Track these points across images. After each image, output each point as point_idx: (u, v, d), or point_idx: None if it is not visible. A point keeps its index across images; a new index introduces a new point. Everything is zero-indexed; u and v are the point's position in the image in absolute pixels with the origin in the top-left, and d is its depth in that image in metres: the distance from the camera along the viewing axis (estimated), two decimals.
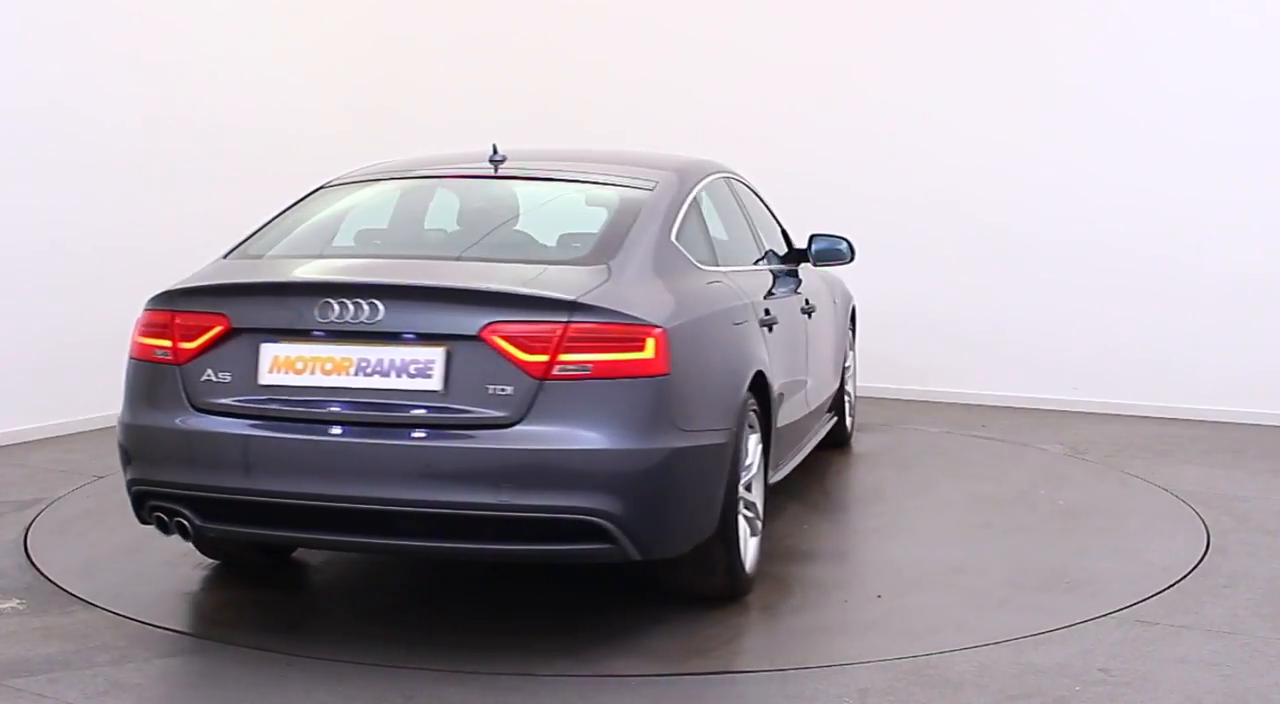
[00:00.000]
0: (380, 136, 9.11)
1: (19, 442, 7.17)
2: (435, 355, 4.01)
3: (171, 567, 5.30)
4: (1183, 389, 8.49)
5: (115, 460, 5.74)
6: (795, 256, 6.31)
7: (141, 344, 4.39)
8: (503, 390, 3.95)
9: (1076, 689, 3.99)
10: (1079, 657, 4.25)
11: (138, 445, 4.35)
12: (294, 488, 4.06)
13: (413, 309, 4.07)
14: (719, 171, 5.76)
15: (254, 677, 4.07)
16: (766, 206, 6.46)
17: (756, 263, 5.74)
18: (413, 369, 4.02)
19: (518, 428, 3.94)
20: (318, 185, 5.35)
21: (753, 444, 4.75)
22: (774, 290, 5.55)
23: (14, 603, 4.77)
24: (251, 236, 4.89)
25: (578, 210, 4.94)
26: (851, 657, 4.25)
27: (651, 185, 4.92)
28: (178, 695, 3.95)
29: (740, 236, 5.74)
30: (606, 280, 4.20)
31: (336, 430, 4.05)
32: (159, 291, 4.42)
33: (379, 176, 5.33)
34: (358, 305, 4.05)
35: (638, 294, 4.21)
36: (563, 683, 4.06)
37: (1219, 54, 8.33)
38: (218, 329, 4.22)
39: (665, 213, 4.72)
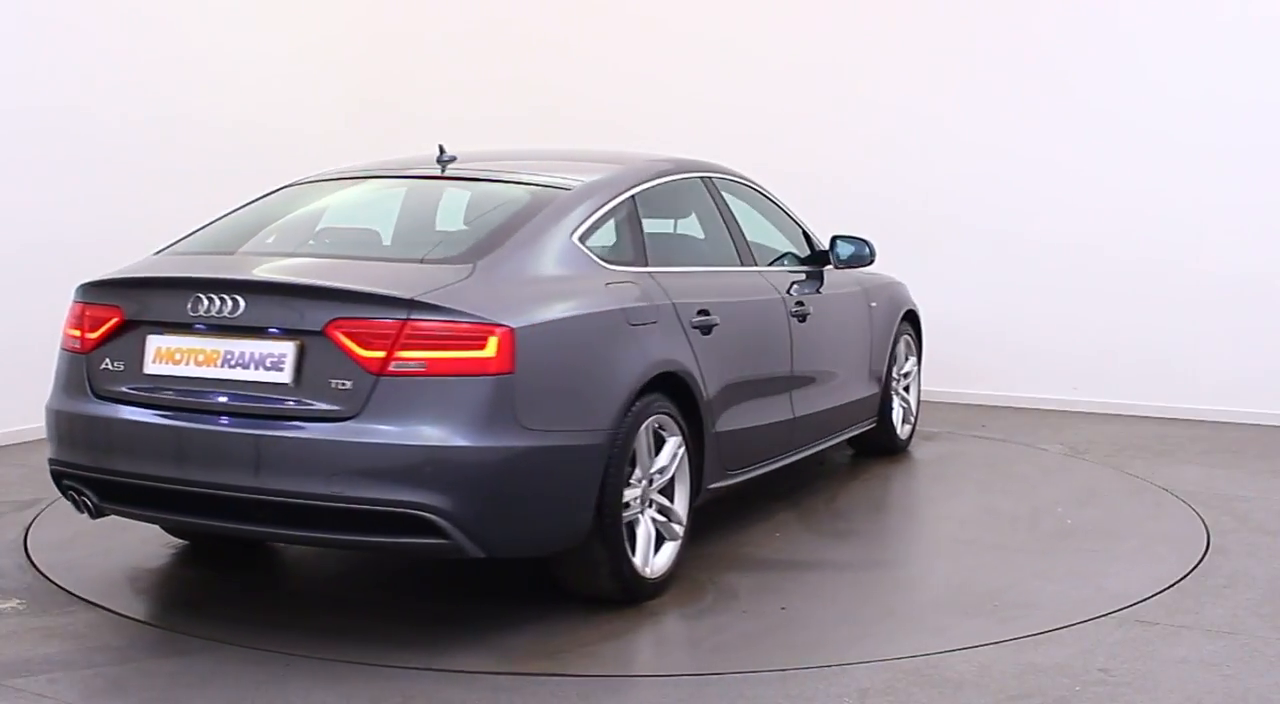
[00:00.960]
0: (379, 133, 9.11)
1: (19, 442, 7.18)
2: (287, 350, 4.17)
3: (172, 567, 5.31)
4: (1183, 389, 8.49)
5: None
6: (817, 259, 6.36)
7: (64, 334, 4.69)
8: (343, 385, 4.07)
9: (1076, 689, 3.99)
10: (1079, 657, 4.26)
11: (53, 428, 4.63)
12: (164, 473, 4.30)
13: (268, 305, 4.24)
14: (692, 172, 5.78)
15: (254, 677, 4.07)
16: (781, 209, 6.44)
17: (742, 264, 5.73)
18: (268, 362, 4.19)
19: (353, 422, 4.05)
20: (280, 185, 5.47)
21: (670, 447, 4.79)
22: (733, 293, 5.47)
23: (14, 603, 4.77)
24: (189, 234, 5.07)
25: (487, 210, 4.97)
26: (845, 658, 4.25)
27: (573, 186, 5.00)
28: (178, 695, 3.95)
29: (714, 238, 5.76)
30: (462, 279, 4.28)
31: (202, 419, 4.26)
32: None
33: (328, 177, 5.50)
34: (223, 300, 4.25)
35: (493, 293, 4.26)
36: (563, 683, 4.06)
37: (1218, 57, 8.33)
38: (114, 321, 4.47)
39: (572, 213, 4.78)
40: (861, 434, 7.03)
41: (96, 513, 4.58)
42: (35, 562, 5.24)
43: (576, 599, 4.69)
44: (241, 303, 4.22)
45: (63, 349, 4.67)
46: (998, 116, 8.97)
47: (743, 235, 5.88)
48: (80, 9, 7.74)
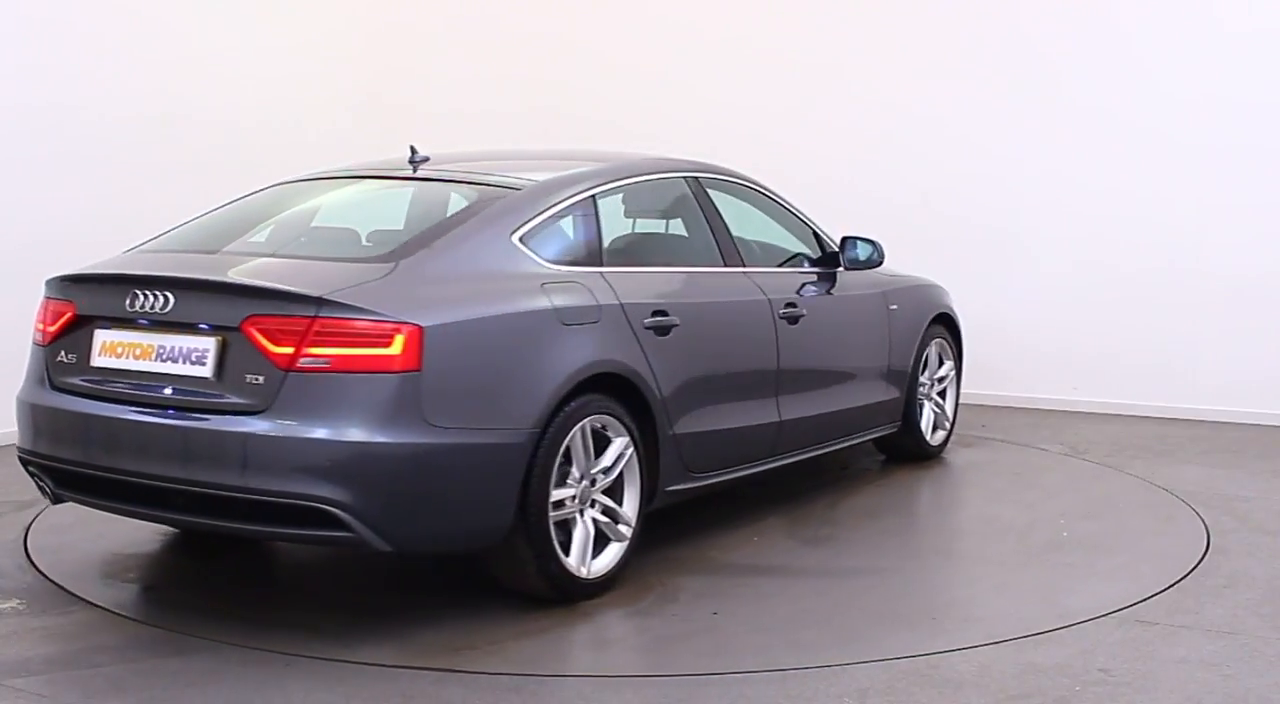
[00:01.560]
0: (381, 130, 9.09)
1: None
2: (210, 345, 4.32)
3: (172, 567, 5.31)
4: (1183, 389, 8.49)
5: None
6: (828, 260, 6.33)
7: (35, 327, 4.87)
8: (257, 380, 4.20)
9: (1076, 689, 3.99)
10: (1079, 657, 4.26)
11: (20, 417, 4.82)
12: (104, 463, 4.49)
13: (194, 301, 4.38)
14: (675, 172, 5.78)
15: (254, 677, 4.08)
16: (789, 209, 6.37)
17: (725, 264, 5.67)
18: (193, 357, 4.34)
19: (263, 416, 4.17)
20: (263, 186, 5.57)
21: (615, 448, 4.80)
22: (703, 294, 5.43)
23: (14, 603, 4.77)
24: (164, 233, 5.19)
25: (433, 210, 5.04)
26: (845, 658, 4.25)
27: (524, 186, 5.04)
28: (178, 695, 3.95)
29: (695, 238, 5.76)
30: (378, 278, 4.34)
31: (135, 410, 4.42)
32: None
33: (307, 178, 5.61)
34: (155, 296, 4.41)
35: (407, 292, 4.31)
36: (564, 683, 4.06)
37: (1219, 59, 8.33)
38: (68, 315, 4.67)
39: (516, 213, 4.82)
40: (889, 440, 6.95)
41: (55, 499, 4.79)
42: (35, 562, 5.24)
43: (511, 596, 4.70)
44: (171, 299, 4.38)
45: (33, 342, 4.87)
46: (998, 117, 8.97)
47: (729, 236, 5.80)
48: (79, 7, 7.74)
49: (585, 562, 4.70)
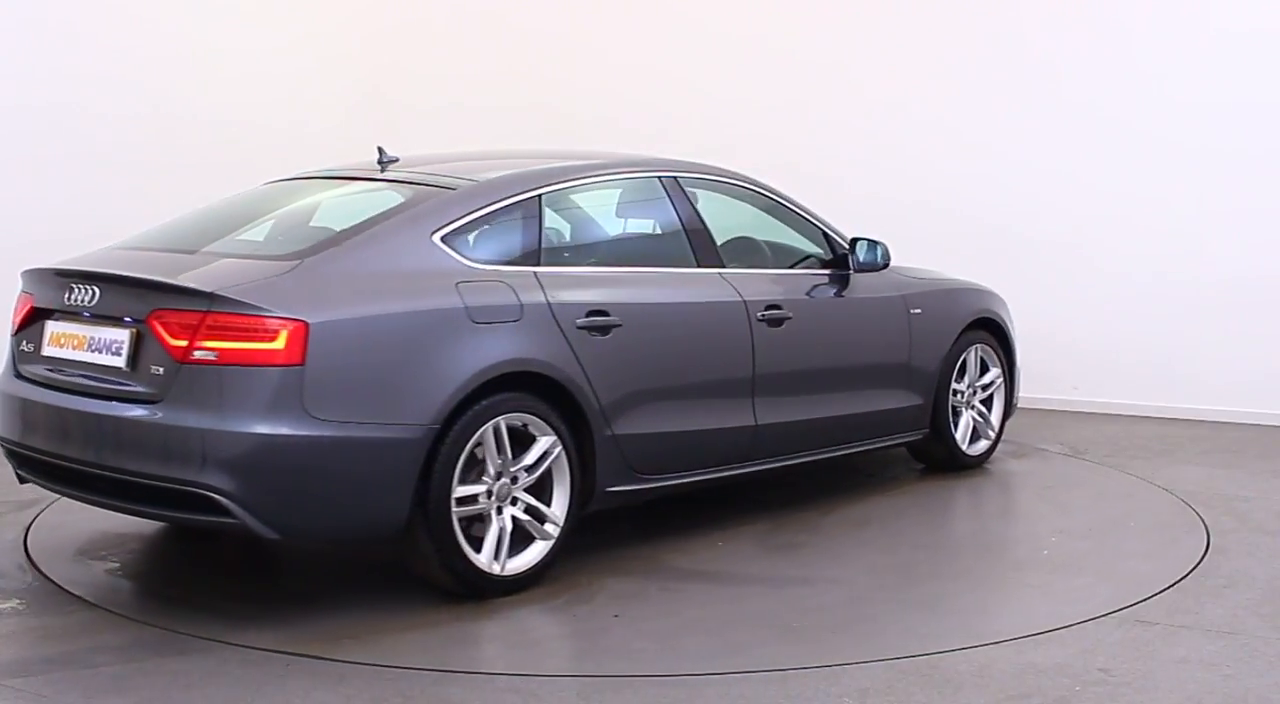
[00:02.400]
0: (380, 128, 9.08)
1: None
2: (124, 337, 4.54)
3: (172, 566, 5.31)
4: (1183, 389, 8.49)
5: None
6: (839, 262, 6.22)
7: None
8: (158, 371, 4.41)
9: (1076, 689, 3.99)
10: (1079, 657, 4.26)
11: None
12: (48, 448, 4.76)
13: (114, 295, 4.60)
14: (649, 171, 5.76)
15: (254, 677, 4.08)
16: (796, 210, 6.23)
17: (699, 265, 5.62)
18: (113, 348, 4.57)
19: (160, 405, 4.39)
20: (252, 185, 5.70)
21: (540, 447, 4.82)
22: (657, 294, 5.38)
23: (14, 603, 4.77)
24: (146, 231, 5.36)
25: (369, 210, 5.07)
26: (845, 658, 4.25)
27: (460, 186, 5.10)
28: (178, 695, 3.95)
29: (665, 238, 5.73)
30: (276, 274, 4.49)
31: (69, 398, 4.67)
32: None
33: (287, 178, 5.73)
34: (85, 290, 4.66)
35: (301, 289, 4.44)
36: (564, 683, 4.06)
37: (1220, 60, 8.33)
38: (28, 307, 4.94)
39: (441, 213, 4.91)
40: (922, 448, 6.77)
41: (20, 480, 5.06)
42: (35, 562, 5.24)
43: (427, 590, 4.75)
44: (98, 293, 4.63)
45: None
46: (999, 117, 8.96)
47: (708, 237, 5.73)
48: (77, 6, 7.74)
49: (500, 559, 4.74)
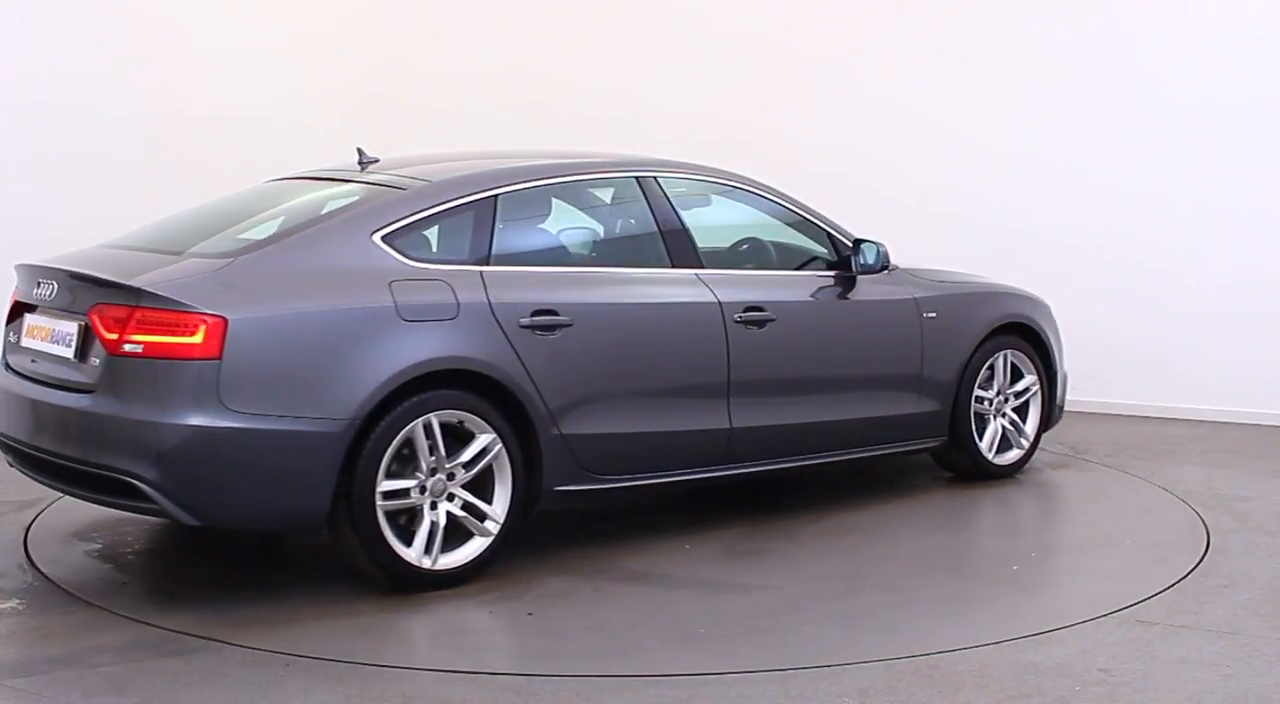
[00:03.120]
0: (379, 126, 9.09)
1: None
2: (73, 329, 4.78)
3: (172, 567, 5.31)
4: (1183, 389, 8.48)
5: None
6: (844, 263, 6.09)
7: None
8: (95, 361, 4.64)
9: (1076, 689, 3.99)
10: (1079, 657, 4.26)
11: None
12: (16, 436, 5.00)
13: (66, 290, 4.86)
14: (622, 171, 5.76)
15: (254, 677, 4.08)
16: (798, 211, 6.12)
17: (672, 266, 5.57)
18: (65, 339, 4.81)
19: (93, 395, 4.62)
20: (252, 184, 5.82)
21: (477, 444, 4.87)
22: (617, 295, 5.37)
23: (14, 603, 4.77)
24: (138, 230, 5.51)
25: (314, 209, 5.26)
26: (844, 658, 4.25)
27: (410, 186, 5.19)
28: (178, 695, 3.95)
29: (635, 239, 5.74)
30: (207, 272, 4.67)
31: (33, 388, 4.91)
32: None
33: (278, 178, 5.87)
34: (48, 285, 4.94)
35: (227, 286, 4.60)
36: (564, 683, 4.06)
37: (1219, 61, 8.32)
38: (15, 301, 5.21)
39: (384, 213, 5.00)
40: (946, 456, 6.58)
41: (11, 465, 5.23)
42: (35, 562, 5.24)
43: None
44: (56, 287, 4.90)
45: None
46: (999, 117, 8.96)
47: (687, 237, 5.68)
48: (77, 9, 7.74)
49: (431, 554, 4.80)
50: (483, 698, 3.93)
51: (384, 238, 4.93)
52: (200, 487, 4.51)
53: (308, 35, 9.27)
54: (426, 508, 4.80)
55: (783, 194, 6.23)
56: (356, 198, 5.20)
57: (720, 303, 5.61)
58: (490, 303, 4.98)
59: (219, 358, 4.44)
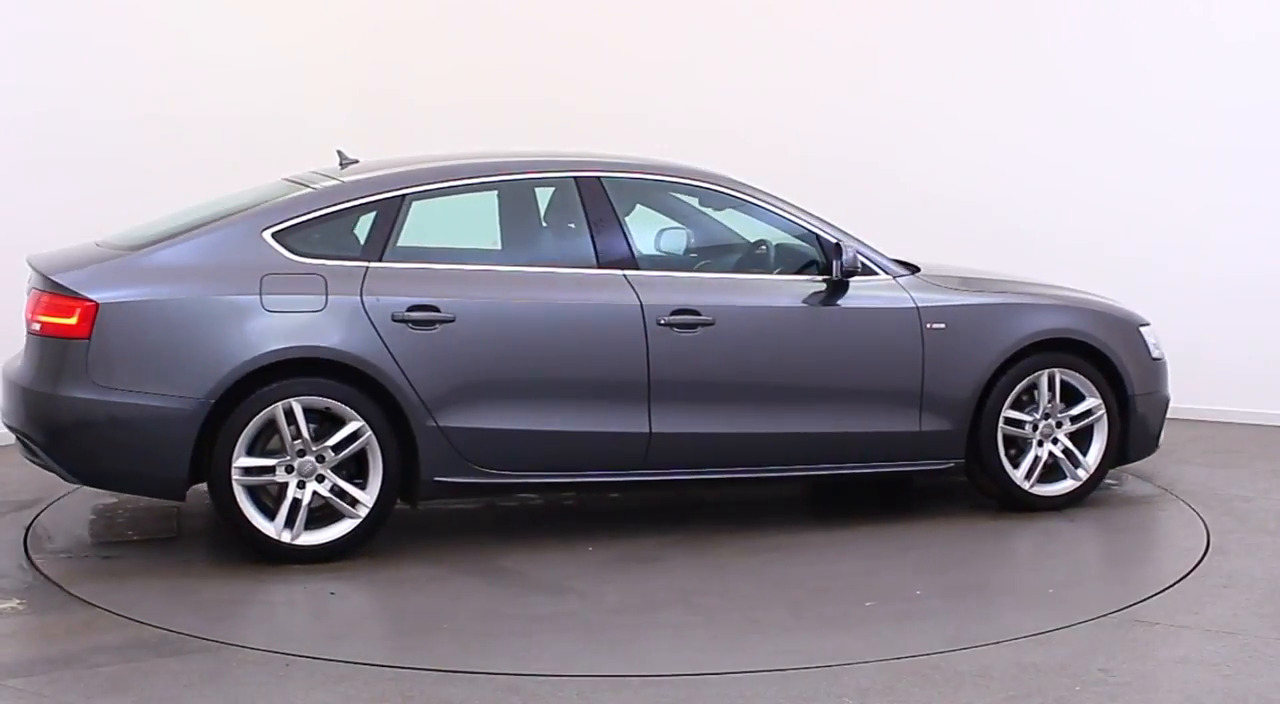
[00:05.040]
0: (378, 126, 9.07)
1: None
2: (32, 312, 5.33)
3: (171, 567, 5.31)
4: (1182, 389, 8.47)
5: None
6: (826, 269, 5.79)
7: None
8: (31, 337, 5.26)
9: (1076, 689, 3.99)
10: (1079, 657, 4.26)
11: None
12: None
13: (34, 279, 5.31)
14: (551, 172, 5.79)
15: (254, 677, 4.08)
16: (781, 214, 5.91)
17: (599, 267, 5.53)
18: (30, 319, 5.26)
19: (19, 366, 5.29)
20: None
21: (345, 430, 5.12)
22: (511, 293, 5.42)
23: (14, 603, 4.77)
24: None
25: (243, 205, 5.58)
26: (845, 658, 4.25)
27: (319, 186, 5.51)
28: (178, 695, 3.95)
29: (561, 240, 5.76)
30: (101, 262, 5.22)
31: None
32: None
33: (290, 177, 5.95)
34: (30, 274, 5.35)
35: (110, 275, 5.14)
36: (564, 683, 4.06)
37: (1220, 60, 8.32)
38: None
39: (280, 211, 5.36)
40: (980, 484, 6.06)
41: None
42: (35, 562, 5.24)
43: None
44: (31, 277, 5.32)
45: None
46: (997, 115, 8.95)
47: (623, 238, 5.60)
48: (74, 6, 7.74)
49: (293, 530, 5.10)
50: (482, 698, 3.93)
51: (274, 235, 5.28)
52: (74, 451, 5.13)
53: (308, 35, 9.26)
54: (293, 486, 5.09)
55: (770, 196, 5.96)
56: (277, 195, 5.52)
57: (642, 305, 5.50)
58: (363, 297, 5.21)
59: (88, 338, 5.00)
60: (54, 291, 5.09)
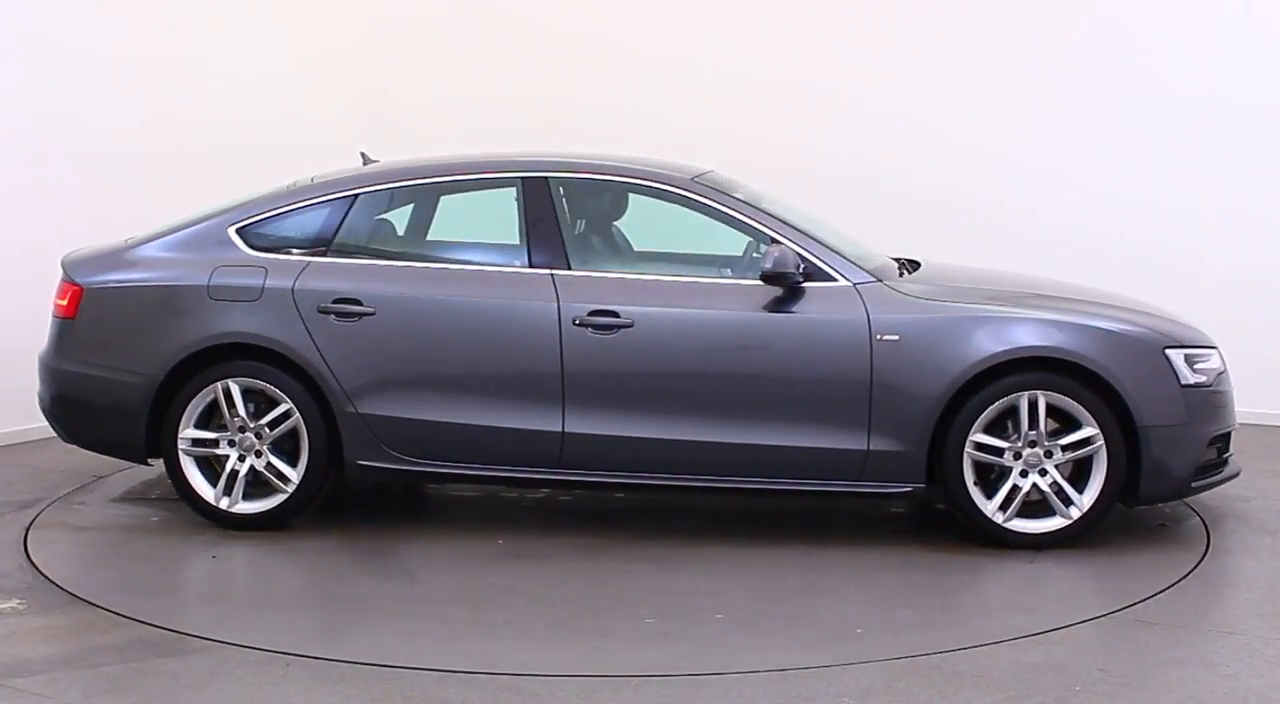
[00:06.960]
0: (378, 125, 9.07)
1: (19, 442, 7.16)
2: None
3: (171, 567, 5.31)
4: None
5: (115, 461, 6.21)
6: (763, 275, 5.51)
7: None
8: None
9: (1076, 689, 3.99)
10: (1079, 657, 4.26)
11: None
12: None
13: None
14: (510, 172, 5.87)
15: (254, 677, 4.08)
16: (735, 217, 5.65)
17: (530, 267, 5.56)
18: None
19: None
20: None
21: (277, 411, 5.54)
22: (425, 289, 5.57)
23: (14, 603, 4.77)
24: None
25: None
26: (845, 658, 4.25)
27: (292, 185, 5.94)
28: (178, 695, 3.96)
29: (494, 238, 5.91)
30: (106, 253, 5.92)
31: None
32: None
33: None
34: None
35: (104, 264, 5.85)
36: (564, 683, 4.06)
37: (1223, 55, 8.31)
38: None
39: (247, 208, 5.83)
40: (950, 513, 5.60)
41: None
42: (35, 562, 5.24)
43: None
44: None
45: None
46: (998, 110, 8.93)
47: (559, 239, 5.61)
48: (73, 6, 7.74)
49: (232, 497, 5.58)
50: (482, 698, 3.93)
51: (238, 230, 5.76)
52: (64, 415, 5.89)
53: (307, 35, 9.26)
54: (233, 459, 5.57)
55: (735, 200, 5.74)
56: (265, 194, 5.93)
57: (559, 305, 5.48)
58: (294, 289, 5.58)
59: (73, 317, 5.77)
60: (64, 277, 5.84)
